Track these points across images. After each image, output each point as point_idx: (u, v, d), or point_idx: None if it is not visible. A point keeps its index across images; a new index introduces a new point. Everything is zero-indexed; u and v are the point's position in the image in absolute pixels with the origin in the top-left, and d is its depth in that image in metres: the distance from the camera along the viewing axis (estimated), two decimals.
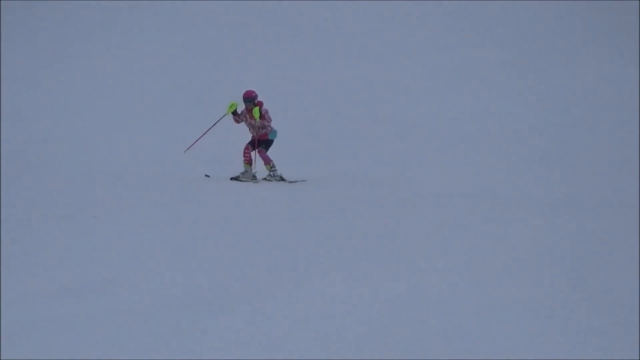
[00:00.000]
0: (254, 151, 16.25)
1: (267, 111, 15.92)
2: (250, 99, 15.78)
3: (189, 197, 15.61)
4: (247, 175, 16.26)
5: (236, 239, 12.64)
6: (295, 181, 16.46)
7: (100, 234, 12.59)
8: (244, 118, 16.06)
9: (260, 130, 15.99)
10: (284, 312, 9.23)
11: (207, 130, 16.78)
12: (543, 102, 27.16)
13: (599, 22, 34.41)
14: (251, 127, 16.05)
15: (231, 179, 16.27)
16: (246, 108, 15.99)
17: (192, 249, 11.84)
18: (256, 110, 15.75)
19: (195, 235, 12.75)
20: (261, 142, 16.11)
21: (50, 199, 14.99)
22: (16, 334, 8.38)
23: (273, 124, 16.27)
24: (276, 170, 16.34)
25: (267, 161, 16.15)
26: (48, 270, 10.60)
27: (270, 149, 16.46)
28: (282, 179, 16.43)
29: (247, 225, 13.55)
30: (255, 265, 11.00)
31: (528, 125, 24.29)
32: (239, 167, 16.71)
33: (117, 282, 10.11)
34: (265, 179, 16.35)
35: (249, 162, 16.21)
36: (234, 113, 16.06)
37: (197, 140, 16.98)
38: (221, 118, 16.45)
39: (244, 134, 16.76)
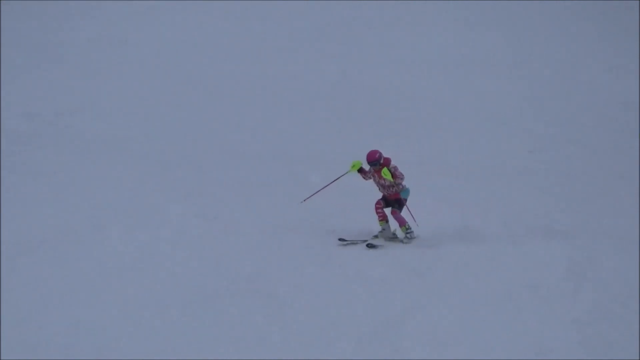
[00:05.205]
0: (387, 208, 14.75)
1: (396, 168, 14.38)
2: (375, 162, 14.25)
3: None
4: (385, 234, 14.65)
5: None
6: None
7: None
8: (372, 176, 14.62)
9: (391, 190, 14.57)
10: None
11: (327, 185, 15.33)
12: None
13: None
14: (380, 186, 14.61)
15: (367, 245, 14.33)
16: (373, 169, 14.51)
17: None
18: (386, 171, 14.18)
19: None
20: (393, 201, 14.66)
21: None
22: None
23: (405, 182, 14.84)
24: (412, 231, 14.72)
25: (402, 222, 14.58)
26: None
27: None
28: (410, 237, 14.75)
29: None
30: None
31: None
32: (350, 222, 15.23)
33: None
34: (402, 241, 14.61)
35: (384, 218, 14.60)
36: (360, 170, 14.65)
37: (315, 193, 15.30)
38: (342, 175, 15.09)
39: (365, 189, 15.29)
